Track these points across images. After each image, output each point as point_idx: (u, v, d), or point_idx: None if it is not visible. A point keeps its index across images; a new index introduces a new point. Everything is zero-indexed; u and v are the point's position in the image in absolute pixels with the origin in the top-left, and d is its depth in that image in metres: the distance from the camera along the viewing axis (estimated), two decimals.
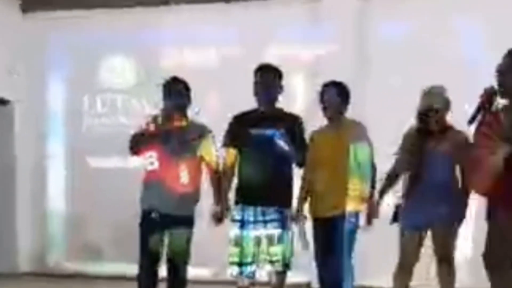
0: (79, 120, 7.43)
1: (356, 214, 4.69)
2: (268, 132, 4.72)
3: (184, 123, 4.90)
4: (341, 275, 4.66)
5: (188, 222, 4.89)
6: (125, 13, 7.21)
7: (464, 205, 4.63)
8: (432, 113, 4.64)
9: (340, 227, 4.66)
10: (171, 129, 4.86)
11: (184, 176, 4.84)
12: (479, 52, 6.04)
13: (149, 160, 4.92)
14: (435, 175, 4.61)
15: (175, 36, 7.07)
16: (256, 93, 4.82)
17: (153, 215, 4.83)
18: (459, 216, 4.65)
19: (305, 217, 4.85)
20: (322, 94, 4.84)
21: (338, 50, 6.45)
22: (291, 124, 4.80)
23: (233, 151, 4.86)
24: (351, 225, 4.68)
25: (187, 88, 4.98)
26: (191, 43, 7.06)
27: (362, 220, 4.73)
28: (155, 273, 4.88)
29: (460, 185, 4.65)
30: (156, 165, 4.89)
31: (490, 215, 4.01)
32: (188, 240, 4.90)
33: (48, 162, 7.49)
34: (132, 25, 7.17)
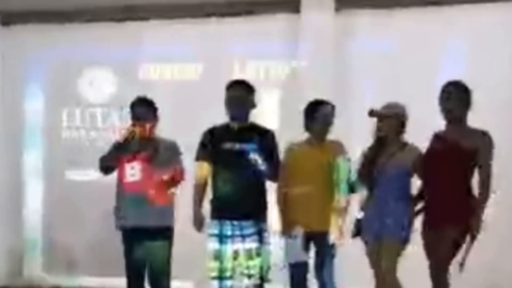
0: (57, 133, 7.38)
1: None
2: (241, 146, 4.77)
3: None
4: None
5: (167, 234, 4.94)
6: (105, 27, 7.21)
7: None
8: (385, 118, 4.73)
9: (327, 243, 4.80)
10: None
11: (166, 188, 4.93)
12: (459, 70, 6.08)
13: (130, 171, 4.95)
14: (385, 189, 4.69)
15: (154, 50, 7.07)
16: (228, 109, 4.86)
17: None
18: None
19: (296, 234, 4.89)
20: (314, 111, 4.93)
21: (316, 65, 6.49)
22: (264, 138, 4.85)
23: (205, 165, 4.89)
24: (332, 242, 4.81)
25: (153, 109, 5.11)
26: (170, 57, 7.06)
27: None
28: None
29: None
30: (137, 177, 4.91)
31: None
32: (168, 252, 4.94)
33: (25, 174, 7.44)
34: (112, 39, 7.17)
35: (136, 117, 5.02)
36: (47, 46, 7.42)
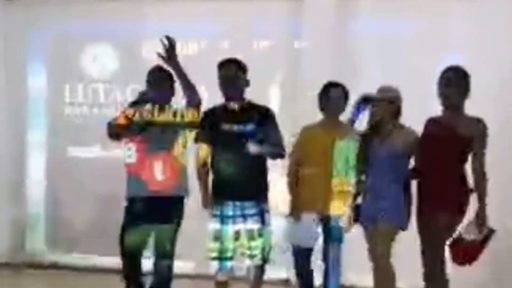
0: (60, 109, 7.40)
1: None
2: (239, 128, 4.80)
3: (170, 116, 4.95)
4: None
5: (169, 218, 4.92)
6: (108, 3, 7.17)
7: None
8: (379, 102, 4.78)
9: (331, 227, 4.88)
10: (153, 121, 4.92)
11: (159, 172, 4.89)
12: (463, 53, 6.09)
13: (127, 153, 4.97)
14: (380, 172, 4.74)
15: (158, 27, 6.93)
16: (221, 88, 4.87)
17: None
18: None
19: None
20: (327, 93, 5.04)
21: (318, 46, 6.50)
22: (263, 117, 4.87)
23: (205, 147, 4.91)
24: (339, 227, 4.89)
25: (172, 79, 5.03)
26: (174, 35, 7.03)
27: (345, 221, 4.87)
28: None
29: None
30: (133, 158, 4.93)
31: None
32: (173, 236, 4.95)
33: (28, 151, 7.45)
34: (115, 15, 7.14)
35: (154, 86, 5.02)
36: (49, 22, 7.38)
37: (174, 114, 4.91)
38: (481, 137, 4.56)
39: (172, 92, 5.04)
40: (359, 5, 6.59)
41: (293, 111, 6.38)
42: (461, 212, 4.58)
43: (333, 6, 6.57)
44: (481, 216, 4.52)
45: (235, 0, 6.79)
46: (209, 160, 4.94)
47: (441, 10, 6.37)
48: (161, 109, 4.94)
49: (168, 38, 4.83)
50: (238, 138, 4.79)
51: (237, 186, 4.78)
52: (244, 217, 4.81)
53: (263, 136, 4.81)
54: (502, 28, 6.16)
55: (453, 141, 4.56)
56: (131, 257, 4.91)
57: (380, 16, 6.52)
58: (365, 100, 4.79)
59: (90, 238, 7.08)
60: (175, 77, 4.96)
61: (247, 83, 4.94)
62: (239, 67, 4.93)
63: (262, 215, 4.85)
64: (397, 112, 4.82)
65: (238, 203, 4.81)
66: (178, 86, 5.02)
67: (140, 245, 4.88)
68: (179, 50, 6.64)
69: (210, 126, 4.90)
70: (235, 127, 4.83)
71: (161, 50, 4.86)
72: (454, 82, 4.62)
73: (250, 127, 4.80)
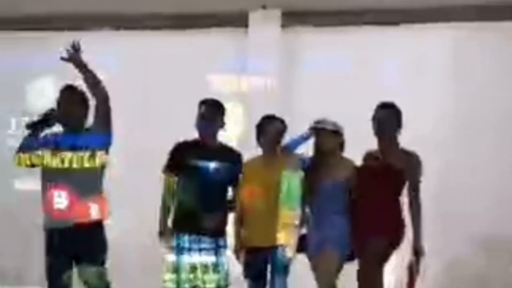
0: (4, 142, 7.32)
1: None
2: (208, 164, 4.87)
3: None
4: None
5: None
6: (54, 35, 7.17)
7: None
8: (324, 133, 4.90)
9: (277, 258, 4.87)
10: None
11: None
12: (403, 87, 6.34)
13: None
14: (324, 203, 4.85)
15: (104, 61, 7.03)
16: (198, 125, 4.95)
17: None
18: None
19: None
20: (264, 127, 5.06)
21: (263, 81, 6.63)
22: (231, 159, 4.99)
23: (172, 179, 4.97)
24: (285, 257, 4.89)
25: (85, 100, 4.63)
26: (121, 69, 7.07)
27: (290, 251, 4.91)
28: None
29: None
30: None
31: None
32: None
33: None
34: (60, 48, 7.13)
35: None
36: None
37: (80, 157, 4.47)
38: (412, 170, 4.73)
39: (84, 114, 4.61)
40: (302, 41, 6.74)
41: (241, 145, 6.42)
42: (393, 244, 4.70)
43: (277, 40, 6.70)
44: (417, 246, 4.67)
45: (179, 34, 6.85)
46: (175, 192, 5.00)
47: (381, 46, 6.55)
48: (56, 152, 4.51)
49: (73, 43, 4.55)
50: (204, 173, 4.88)
51: (197, 219, 4.83)
52: (200, 250, 4.85)
53: (227, 176, 4.93)
54: (440, 60, 6.40)
55: (386, 174, 4.71)
56: None
57: (323, 52, 6.70)
58: (313, 129, 4.90)
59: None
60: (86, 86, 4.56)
61: (222, 125, 5.04)
62: (219, 109, 5.03)
63: (218, 249, 4.90)
64: (341, 144, 4.93)
65: (195, 236, 4.85)
66: None
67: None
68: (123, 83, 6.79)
69: (180, 159, 4.96)
70: (203, 163, 4.90)
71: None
72: (386, 118, 4.80)
73: (217, 165, 4.90)
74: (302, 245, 4.94)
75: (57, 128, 4.64)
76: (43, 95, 7.21)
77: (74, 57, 4.53)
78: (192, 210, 4.85)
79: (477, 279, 6.37)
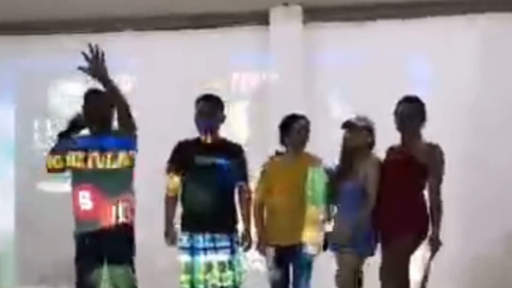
0: (28, 144, 7.37)
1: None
2: (211, 160, 4.85)
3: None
4: None
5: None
6: (76, 38, 7.19)
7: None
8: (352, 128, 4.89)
9: (300, 257, 4.85)
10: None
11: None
12: (424, 83, 6.24)
13: None
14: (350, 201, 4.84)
15: (129, 62, 7.06)
16: (197, 122, 4.94)
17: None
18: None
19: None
20: (289, 125, 5.02)
21: (285, 78, 6.59)
22: (233, 153, 4.96)
23: (176, 179, 4.96)
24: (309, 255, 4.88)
25: (109, 102, 4.57)
26: (143, 69, 7.09)
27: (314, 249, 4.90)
28: None
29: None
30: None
31: None
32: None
33: None
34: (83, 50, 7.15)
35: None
36: (18, 56, 7.36)
37: (104, 158, 4.52)
38: (435, 162, 4.69)
39: (109, 117, 4.63)
40: (324, 36, 6.70)
41: (262, 143, 6.41)
42: (419, 238, 4.66)
43: (298, 37, 6.66)
44: (435, 242, 4.64)
45: (201, 33, 6.84)
46: (179, 192, 4.99)
47: (404, 40, 6.50)
48: (86, 156, 4.55)
49: (91, 46, 4.27)
50: (209, 171, 4.86)
51: (209, 218, 4.82)
52: (216, 249, 4.84)
53: (232, 172, 4.90)
54: (464, 53, 6.33)
55: (410, 168, 4.67)
56: None
57: (344, 47, 6.67)
58: (345, 126, 4.88)
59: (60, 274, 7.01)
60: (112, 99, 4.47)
61: (222, 120, 5.02)
62: (217, 103, 5.02)
63: (232, 247, 4.89)
64: (371, 142, 4.91)
65: (209, 235, 4.85)
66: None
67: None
68: (148, 83, 6.81)
69: (182, 158, 4.95)
70: (207, 160, 4.89)
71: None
72: (409, 112, 4.75)
73: (221, 161, 4.87)
74: (326, 243, 4.93)
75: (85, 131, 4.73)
76: (66, 97, 7.27)
77: (98, 69, 4.32)
78: (201, 209, 4.85)
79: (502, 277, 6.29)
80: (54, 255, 7.05)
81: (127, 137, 4.50)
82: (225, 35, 6.89)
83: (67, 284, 6.74)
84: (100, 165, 4.52)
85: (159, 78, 7.03)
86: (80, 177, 4.57)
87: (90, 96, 4.66)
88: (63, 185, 6.95)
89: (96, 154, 4.52)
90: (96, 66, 4.28)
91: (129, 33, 7.14)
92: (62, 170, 4.68)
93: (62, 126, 6.94)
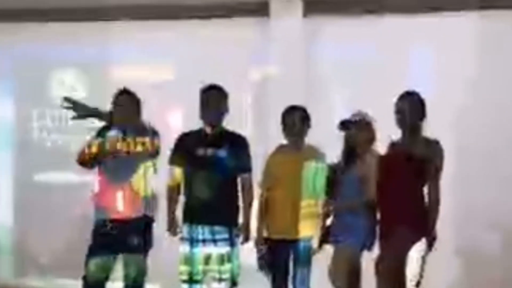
0: (28, 134, 7.35)
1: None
2: (213, 152, 4.82)
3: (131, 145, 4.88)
4: None
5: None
6: (76, 27, 7.19)
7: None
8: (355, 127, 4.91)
9: (300, 250, 4.86)
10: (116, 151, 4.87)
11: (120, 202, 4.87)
12: (427, 76, 6.23)
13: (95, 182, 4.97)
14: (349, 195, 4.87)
15: (127, 51, 7.05)
16: (202, 113, 4.91)
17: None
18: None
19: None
20: (289, 117, 5.02)
21: (286, 70, 6.58)
22: (236, 144, 4.95)
23: (178, 170, 4.97)
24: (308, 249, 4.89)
25: (138, 102, 5.03)
26: (141, 58, 7.07)
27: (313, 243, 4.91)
28: None
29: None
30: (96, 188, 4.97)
31: None
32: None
33: None
34: (82, 39, 7.15)
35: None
36: (16, 45, 7.35)
37: (135, 144, 4.84)
38: (434, 157, 4.70)
39: (138, 115, 4.99)
40: (324, 30, 6.69)
41: (262, 135, 6.41)
42: (417, 233, 4.67)
43: (299, 30, 6.64)
44: (431, 237, 4.68)
45: (202, 26, 6.82)
46: (181, 184, 5.01)
47: (405, 34, 6.49)
48: (124, 138, 4.85)
49: (65, 99, 4.94)
50: (211, 162, 4.86)
51: (209, 210, 4.83)
52: (215, 241, 4.84)
53: (235, 163, 4.88)
54: (466, 48, 6.32)
55: (409, 164, 4.67)
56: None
57: (345, 41, 6.63)
58: (342, 125, 4.88)
59: (60, 264, 7.02)
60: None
61: (227, 110, 5.00)
62: (222, 94, 5.00)
63: (232, 239, 4.88)
64: (371, 138, 4.91)
65: (208, 227, 4.85)
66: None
67: (102, 275, 4.84)
68: (146, 73, 6.81)
69: (184, 149, 4.94)
70: (209, 151, 4.88)
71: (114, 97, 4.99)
72: (409, 107, 4.74)
73: (223, 152, 4.86)
74: (326, 237, 4.93)
75: None
76: (66, 86, 7.25)
77: (79, 108, 4.89)
78: (203, 200, 4.86)
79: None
80: (53, 247, 7.09)
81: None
82: (225, 27, 6.86)
83: (66, 275, 6.89)
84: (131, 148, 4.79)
85: (157, 70, 6.99)
86: (112, 176, 4.82)
87: (122, 96, 4.97)
88: (62, 176, 7.05)
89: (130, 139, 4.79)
90: (80, 108, 4.87)
91: (128, 23, 7.09)
92: (94, 159, 4.84)
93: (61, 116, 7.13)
